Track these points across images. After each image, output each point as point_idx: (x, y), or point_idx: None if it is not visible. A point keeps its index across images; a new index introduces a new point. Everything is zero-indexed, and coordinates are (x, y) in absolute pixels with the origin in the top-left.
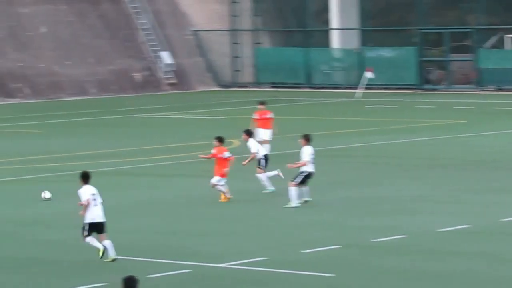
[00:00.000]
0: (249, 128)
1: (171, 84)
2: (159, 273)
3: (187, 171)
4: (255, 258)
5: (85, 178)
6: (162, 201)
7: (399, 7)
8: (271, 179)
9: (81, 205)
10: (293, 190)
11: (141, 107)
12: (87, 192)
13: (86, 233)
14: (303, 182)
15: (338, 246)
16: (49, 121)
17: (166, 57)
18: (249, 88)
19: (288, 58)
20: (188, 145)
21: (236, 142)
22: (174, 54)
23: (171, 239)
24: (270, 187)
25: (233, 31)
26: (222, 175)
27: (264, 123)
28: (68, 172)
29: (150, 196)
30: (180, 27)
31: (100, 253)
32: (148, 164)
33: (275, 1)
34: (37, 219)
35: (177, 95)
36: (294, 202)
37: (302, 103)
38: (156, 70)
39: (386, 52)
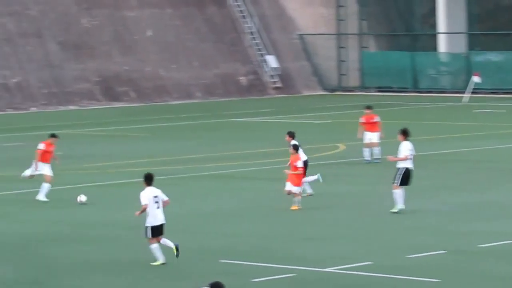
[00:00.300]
0: (291, 130)
1: (277, 88)
2: (263, 277)
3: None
4: (360, 262)
5: (148, 180)
6: (265, 205)
7: (507, 10)
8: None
9: (142, 210)
10: (397, 193)
11: (246, 111)
12: (148, 194)
13: (149, 236)
14: (405, 182)
15: (444, 252)
16: (155, 125)
17: (271, 61)
18: (355, 92)
19: (395, 62)
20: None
21: (342, 147)
22: (279, 58)
23: (275, 243)
24: (309, 190)
25: (339, 35)
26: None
27: (370, 127)
28: (173, 176)
29: (254, 199)
30: (286, 31)
31: (157, 263)
32: (252, 168)
33: (381, 4)
34: (141, 222)
35: (282, 99)
36: (399, 205)
37: (408, 107)
38: (261, 74)
39: (494, 56)
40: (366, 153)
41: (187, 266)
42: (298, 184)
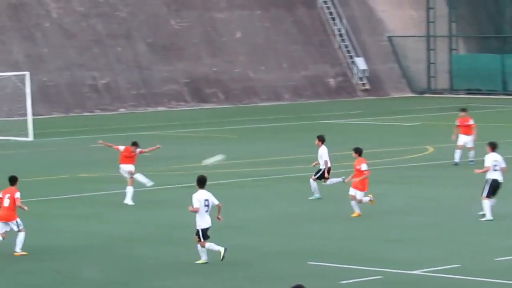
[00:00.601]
0: (322, 134)
1: (365, 90)
2: (351, 279)
3: (380, 177)
4: (447, 265)
5: (200, 182)
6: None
7: None
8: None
9: (192, 211)
10: (485, 203)
11: (335, 113)
12: (199, 197)
13: (202, 239)
14: (492, 193)
15: None
16: (243, 126)
17: (360, 63)
18: (444, 94)
19: (484, 65)
20: (382, 151)
21: (430, 149)
22: (368, 60)
23: (362, 245)
24: (316, 194)
25: (429, 37)
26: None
27: (465, 129)
28: (261, 177)
29: (341, 201)
30: (375, 33)
31: (222, 254)
32: (340, 170)
33: (471, 6)
34: (230, 224)
35: (371, 101)
36: (488, 215)
37: (497, 110)
38: (350, 76)
39: None
40: (457, 155)
41: (275, 268)
42: (362, 189)
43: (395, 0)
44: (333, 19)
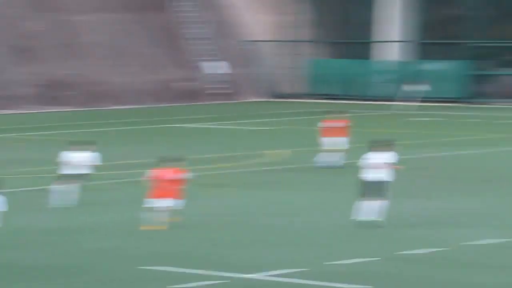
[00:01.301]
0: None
1: (224, 94)
2: (183, 283)
3: (231, 182)
4: (295, 268)
5: None
6: (203, 211)
7: (451, 21)
8: None
9: None
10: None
11: (184, 117)
12: None
13: None
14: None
15: (378, 258)
16: (82, 130)
17: (218, 67)
18: (302, 99)
19: (343, 70)
20: (232, 156)
21: (287, 153)
22: (227, 65)
23: (205, 248)
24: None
25: (287, 42)
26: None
27: (338, 131)
28: (93, 183)
29: (192, 206)
30: (234, 37)
31: None
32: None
33: (334, 13)
34: (69, 227)
35: (228, 105)
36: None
37: (355, 115)
38: (203, 81)
39: (437, 65)
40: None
41: (104, 272)
42: (171, 196)
43: (256, 4)
44: (188, 22)
